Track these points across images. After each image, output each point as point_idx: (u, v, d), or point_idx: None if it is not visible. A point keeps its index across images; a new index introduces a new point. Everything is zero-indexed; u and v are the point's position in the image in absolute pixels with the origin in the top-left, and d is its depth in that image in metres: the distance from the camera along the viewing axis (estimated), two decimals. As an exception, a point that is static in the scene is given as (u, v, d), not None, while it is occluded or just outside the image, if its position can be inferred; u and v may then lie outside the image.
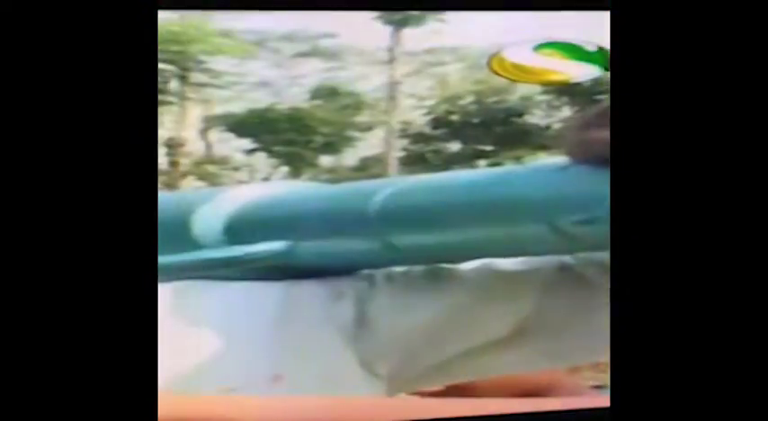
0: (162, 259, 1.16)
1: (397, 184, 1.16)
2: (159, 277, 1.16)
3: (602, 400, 0.92)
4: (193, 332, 1.10)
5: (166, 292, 1.14)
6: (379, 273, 1.16)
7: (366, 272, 1.17)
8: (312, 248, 1.14)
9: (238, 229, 1.17)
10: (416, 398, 1.11)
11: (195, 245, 1.18)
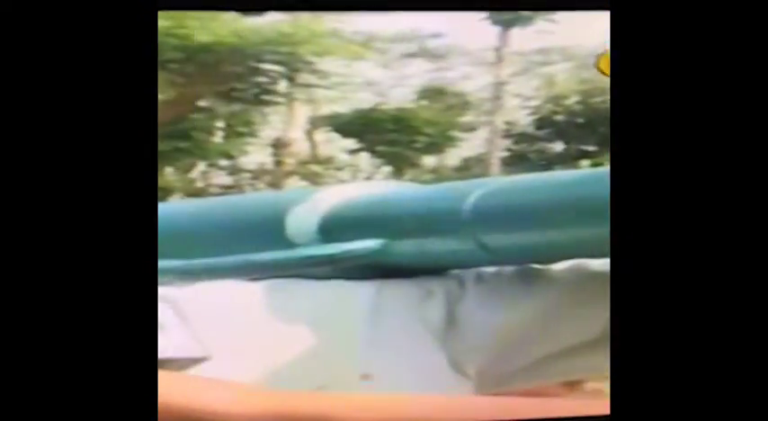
0: (257, 256, 1.17)
1: (490, 185, 1.15)
2: (254, 274, 1.18)
3: (602, 407, 0.91)
4: (286, 329, 1.11)
5: (260, 290, 1.15)
6: (470, 273, 1.16)
7: (456, 271, 1.16)
8: (405, 247, 1.14)
9: (333, 228, 1.17)
10: (505, 398, 1.11)
11: (290, 243, 1.19)
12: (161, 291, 1.10)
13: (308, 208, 1.20)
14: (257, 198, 1.47)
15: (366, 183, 1.28)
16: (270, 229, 1.20)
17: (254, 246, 1.19)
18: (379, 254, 1.14)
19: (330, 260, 1.14)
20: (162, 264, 1.23)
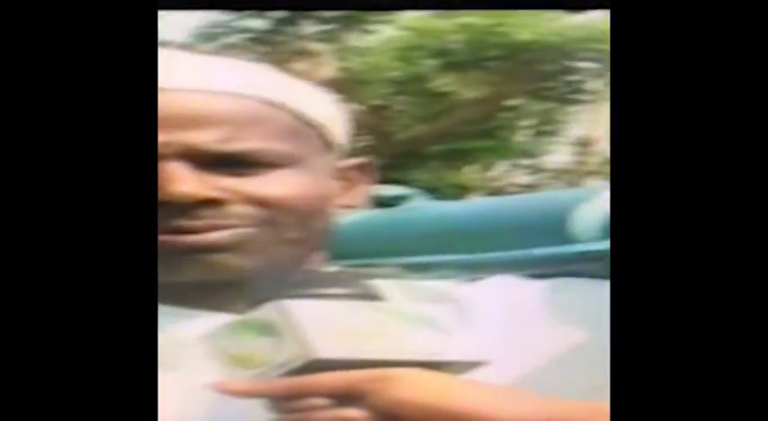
0: (533, 251, 1.17)
1: None
2: (530, 269, 1.16)
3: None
4: (561, 329, 1.09)
5: (538, 289, 1.14)
6: None
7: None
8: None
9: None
10: None
11: (572, 241, 1.17)
12: (445, 286, 1.10)
13: (595, 206, 1.18)
14: (546, 196, 1.46)
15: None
16: (553, 227, 1.19)
17: (536, 243, 1.18)
18: None
19: (604, 256, 1.12)
20: (442, 258, 1.24)
